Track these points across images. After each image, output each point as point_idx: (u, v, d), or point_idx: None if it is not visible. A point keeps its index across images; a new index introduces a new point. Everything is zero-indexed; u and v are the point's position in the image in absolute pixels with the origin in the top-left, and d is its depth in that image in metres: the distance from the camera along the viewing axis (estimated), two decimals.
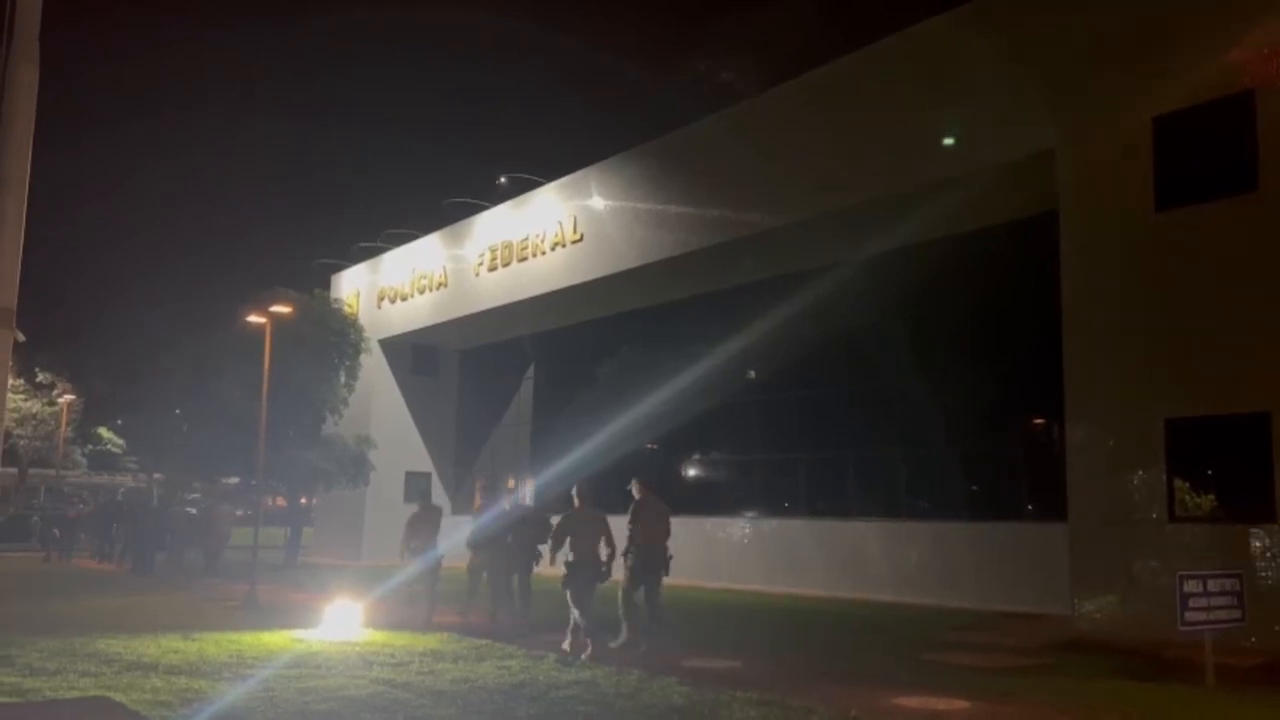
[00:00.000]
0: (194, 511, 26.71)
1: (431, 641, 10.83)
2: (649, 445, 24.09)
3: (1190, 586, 8.67)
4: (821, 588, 18.18)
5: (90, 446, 59.86)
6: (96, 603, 15.25)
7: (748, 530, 20.77)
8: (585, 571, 10.46)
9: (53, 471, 47.77)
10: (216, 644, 10.33)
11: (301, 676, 8.51)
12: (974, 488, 18.23)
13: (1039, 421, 16.95)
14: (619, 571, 11.00)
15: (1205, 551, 11.39)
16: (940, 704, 7.85)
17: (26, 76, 3.84)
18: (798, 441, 20.89)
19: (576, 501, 11.16)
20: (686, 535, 21.78)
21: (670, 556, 11.02)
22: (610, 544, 10.84)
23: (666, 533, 11.10)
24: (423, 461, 29.46)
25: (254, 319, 17.29)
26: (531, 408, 28.32)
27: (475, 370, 30.63)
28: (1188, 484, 12.13)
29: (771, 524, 20.36)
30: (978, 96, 15.04)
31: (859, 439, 19.55)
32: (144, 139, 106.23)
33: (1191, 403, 12.05)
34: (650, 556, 10.88)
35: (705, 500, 22.65)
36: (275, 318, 17.01)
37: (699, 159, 20.05)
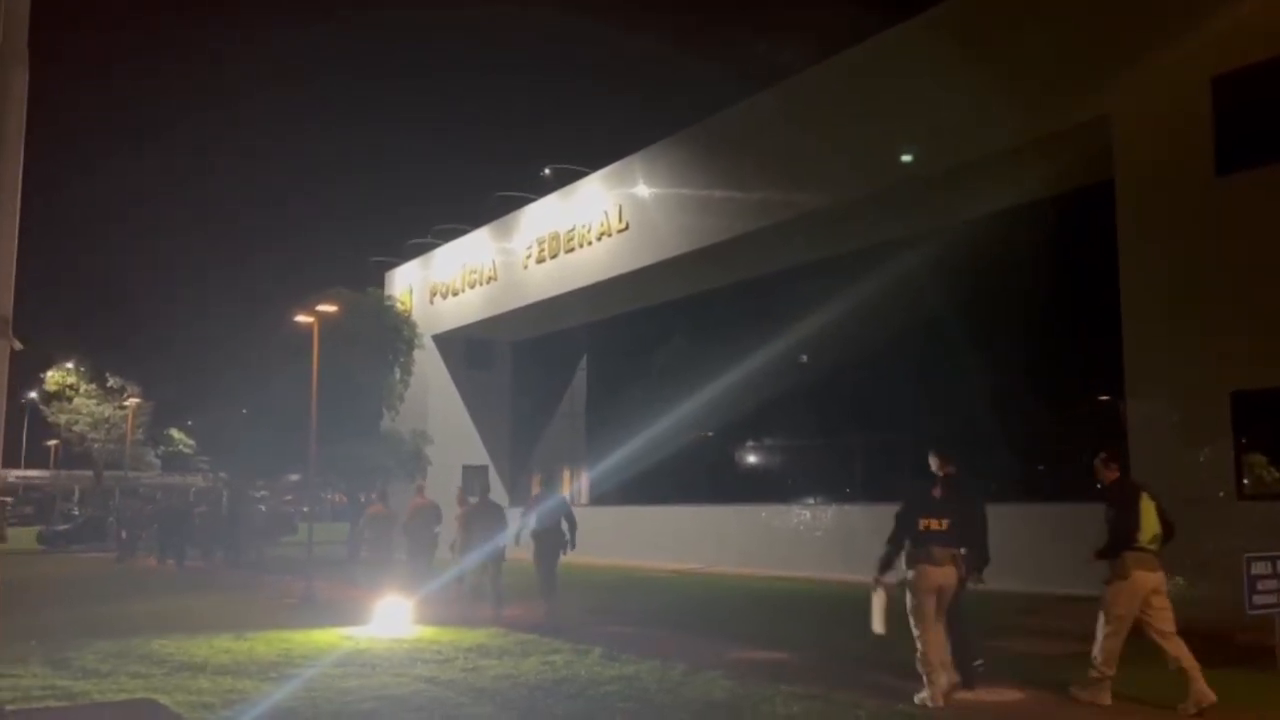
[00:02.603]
0: (262, 508, 27.60)
1: (479, 637, 10.80)
2: (704, 433, 23.96)
3: (1258, 568, 8.28)
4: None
5: (163, 448, 61.40)
6: (158, 602, 15.52)
7: (804, 517, 20.50)
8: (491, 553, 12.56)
9: (127, 473, 49.07)
10: (267, 643, 10.41)
11: (346, 675, 8.52)
12: (1038, 468, 17.78)
13: (1101, 398, 16.44)
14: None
15: (1278, 531, 10.90)
16: (994, 695, 7.59)
17: (16, 79, 3.74)
18: (853, 425, 20.57)
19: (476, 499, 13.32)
20: (741, 524, 21.65)
21: (567, 540, 12.61)
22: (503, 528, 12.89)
23: (572, 524, 12.63)
24: (479, 455, 29.63)
25: (302, 318, 17.48)
26: (585, 398, 28.33)
27: (528, 363, 30.71)
28: (1264, 459, 11.65)
29: (827, 510, 20.06)
30: (1029, 62, 14.55)
31: (916, 421, 19.16)
32: (205, 146, 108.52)
33: (1259, 374, 11.55)
34: (546, 541, 12.52)
35: (760, 487, 22.45)
36: (323, 317, 17.16)
37: (743, 141, 19.78)
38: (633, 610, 13.80)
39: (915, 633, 7.21)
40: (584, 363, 28.58)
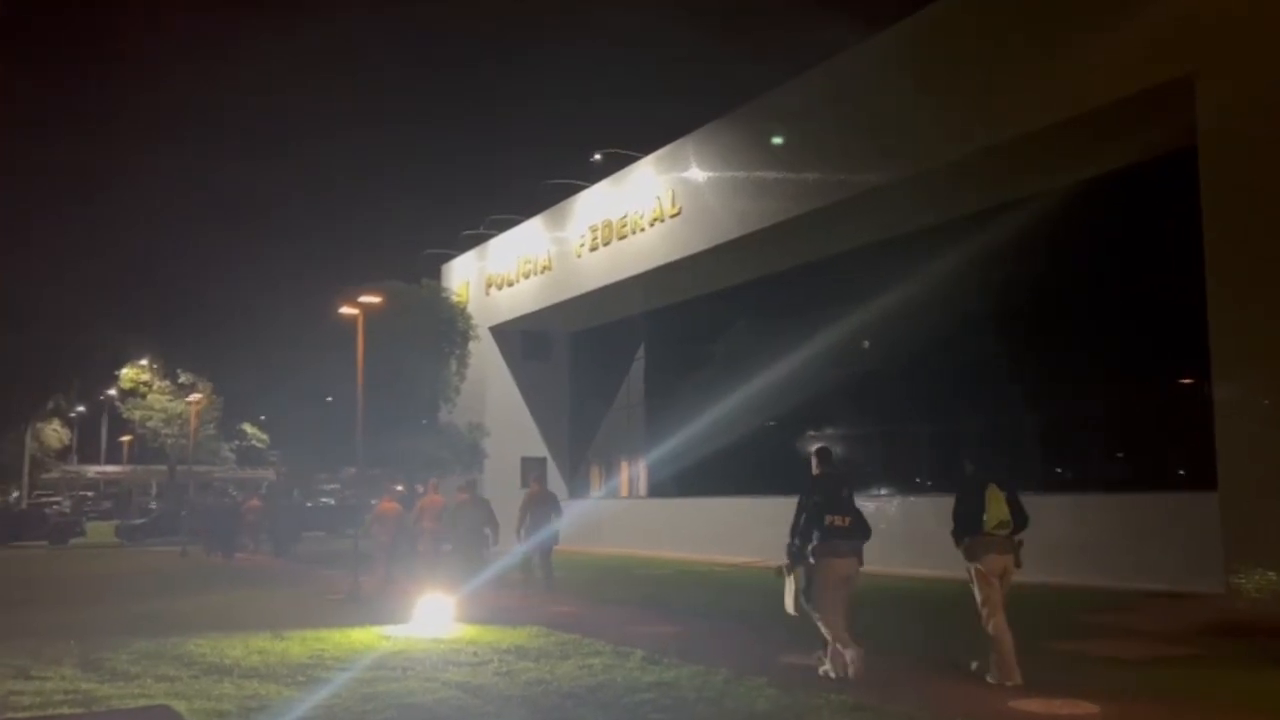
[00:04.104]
0: (329, 502, 28.07)
1: (519, 637, 10.38)
2: (765, 422, 23.28)
3: None
4: (946, 568, 16.96)
5: (236, 442, 62.52)
6: (206, 598, 15.46)
7: (867, 509, 19.68)
8: (469, 543, 14.07)
9: (200, 468, 49.97)
10: (303, 643, 10.11)
11: (375, 680, 8.15)
12: (1116, 455, 16.82)
13: (1185, 381, 15.44)
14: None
15: None
16: (1065, 707, 6.90)
17: None
18: (919, 413, 19.74)
19: (465, 495, 14.53)
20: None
21: (557, 532, 14.08)
22: (493, 524, 14.30)
23: (559, 515, 14.29)
24: (538, 447, 29.38)
25: (346, 310, 17.30)
26: (643, 388, 27.86)
27: (586, 353, 30.34)
28: None
29: (893, 502, 19.29)
30: (1107, 20, 13.60)
31: (987, 407, 18.29)
32: (261, 144, 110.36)
33: None
34: (539, 535, 13.96)
35: None
36: (368, 308, 16.97)
37: (798, 120, 19.06)
38: (684, 607, 13.29)
39: (817, 617, 7.99)
40: (641, 352, 28.09)
